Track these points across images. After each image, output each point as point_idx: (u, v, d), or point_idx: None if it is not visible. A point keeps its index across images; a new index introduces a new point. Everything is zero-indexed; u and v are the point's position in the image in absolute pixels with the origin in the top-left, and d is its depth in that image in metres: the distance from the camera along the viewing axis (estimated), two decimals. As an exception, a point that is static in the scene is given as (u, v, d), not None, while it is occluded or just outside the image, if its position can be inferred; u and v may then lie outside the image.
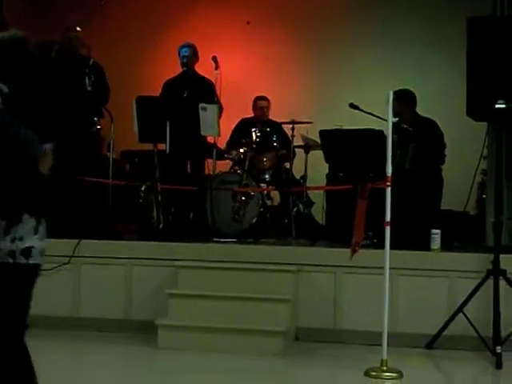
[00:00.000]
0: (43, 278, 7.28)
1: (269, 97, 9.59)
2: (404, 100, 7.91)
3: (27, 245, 3.68)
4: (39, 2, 11.25)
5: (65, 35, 8.33)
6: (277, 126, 8.99)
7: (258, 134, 8.55)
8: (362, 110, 7.83)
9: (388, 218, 5.84)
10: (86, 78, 8.09)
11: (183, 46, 8.88)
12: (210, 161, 8.38)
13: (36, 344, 6.98)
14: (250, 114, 9.53)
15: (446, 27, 10.39)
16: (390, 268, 5.91)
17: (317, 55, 11.06)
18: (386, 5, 10.82)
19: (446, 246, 7.14)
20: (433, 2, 10.66)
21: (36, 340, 7.05)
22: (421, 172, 7.69)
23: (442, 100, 10.29)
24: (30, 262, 3.70)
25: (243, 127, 9.16)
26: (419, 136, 7.85)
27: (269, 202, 8.68)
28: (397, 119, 7.77)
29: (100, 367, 6.24)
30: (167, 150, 7.91)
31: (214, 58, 8.25)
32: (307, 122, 8.62)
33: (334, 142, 7.57)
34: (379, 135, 6.95)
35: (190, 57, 8.83)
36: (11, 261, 3.65)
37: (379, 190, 5.97)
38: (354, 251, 6.15)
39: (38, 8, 11.18)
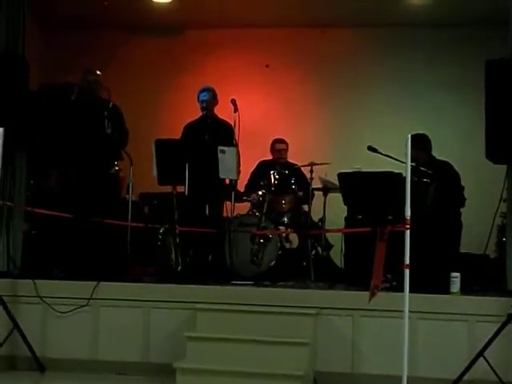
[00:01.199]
0: (61, 320, 7.37)
1: (287, 139, 9.62)
2: (420, 145, 7.90)
3: None
4: (58, 42, 11.41)
5: (84, 78, 8.40)
6: (295, 169, 9.01)
7: (277, 177, 8.58)
8: (380, 153, 7.83)
9: (407, 260, 5.81)
10: (106, 120, 8.12)
11: (202, 90, 8.93)
12: (228, 203, 8.38)
13: (54, 387, 6.98)
14: (269, 157, 9.56)
15: (462, 69, 10.48)
16: (410, 311, 5.86)
17: (334, 97, 11.15)
18: (402, 46, 10.92)
19: (465, 290, 7.08)
20: (449, 44, 10.75)
21: (53, 383, 7.09)
22: (440, 214, 7.66)
23: (460, 142, 10.33)
24: None
25: (262, 170, 9.19)
26: (437, 179, 7.85)
27: (287, 245, 8.68)
28: (414, 164, 7.76)
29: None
30: (186, 193, 7.93)
31: (233, 101, 8.28)
32: (325, 164, 8.62)
33: (352, 184, 7.56)
34: (398, 178, 6.94)
35: (210, 100, 8.88)
36: None
37: (398, 232, 5.94)
38: (372, 294, 6.11)
39: (57, 48, 11.34)
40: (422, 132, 8.15)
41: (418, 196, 7.56)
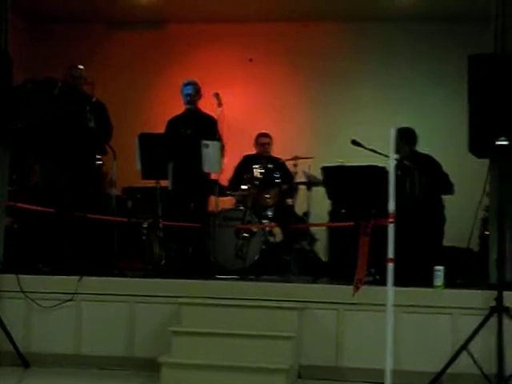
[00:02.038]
0: (45, 314, 7.35)
1: (271, 133, 9.62)
2: (406, 138, 7.94)
3: None
4: (41, 36, 11.37)
5: (68, 73, 8.38)
6: (280, 163, 9.02)
7: (261, 171, 8.58)
8: (364, 147, 7.83)
9: (391, 254, 5.82)
10: (88, 114, 8.10)
11: (186, 84, 8.90)
12: (212, 197, 8.38)
13: (37, 382, 6.99)
14: (253, 151, 9.56)
15: (446, 63, 10.52)
16: (393, 305, 5.87)
17: (317, 91, 11.16)
18: (386, 41, 10.94)
19: (449, 283, 7.09)
20: (433, 39, 10.77)
21: (38, 378, 7.08)
22: (424, 208, 7.68)
23: (443, 136, 10.36)
24: None
25: (246, 164, 9.18)
26: (421, 171, 7.87)
27: (271, 239, 8.69)
28: (397, 156, 7.77)
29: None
30: (170, 187, 7.92)
31: (217, 95, 8.27)
32: (309, 158, 8.63)
33: (336, 178, 7.58)
34: (381, 172, 6.95)
35: (193, 94, 8.84)
36: None
37: (382, 226, 5.96)
38: (356, 288, 6.14)
39: (40, 43, 11.30)
40: (407, 126, 8.17)
41: (405, 188, 7.61)
